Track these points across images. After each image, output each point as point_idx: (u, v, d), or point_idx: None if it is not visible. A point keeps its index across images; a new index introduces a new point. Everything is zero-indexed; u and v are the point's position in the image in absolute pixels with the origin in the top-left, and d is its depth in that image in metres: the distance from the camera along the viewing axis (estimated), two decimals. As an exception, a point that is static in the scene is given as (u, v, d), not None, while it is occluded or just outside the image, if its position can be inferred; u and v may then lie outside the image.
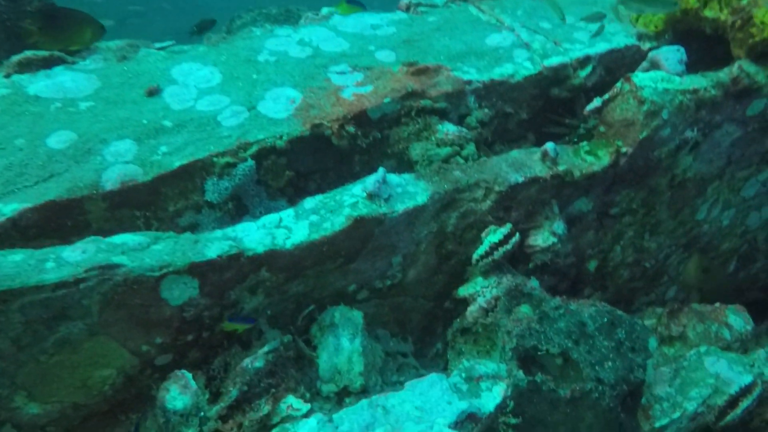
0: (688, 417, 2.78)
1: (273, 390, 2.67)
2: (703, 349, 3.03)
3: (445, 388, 2.33)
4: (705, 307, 3.63)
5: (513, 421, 2.41)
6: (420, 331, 3.43)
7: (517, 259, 3.26)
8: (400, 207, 2.82)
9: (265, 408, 2.61)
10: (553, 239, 3.11)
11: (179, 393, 2.60)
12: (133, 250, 2.48)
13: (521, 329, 2.63)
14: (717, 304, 3.61)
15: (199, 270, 2.54)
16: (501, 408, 2.41)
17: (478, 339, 3.05)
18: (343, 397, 2.92)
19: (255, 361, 2.69)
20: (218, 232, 2.70)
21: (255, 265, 2.66)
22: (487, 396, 2.40)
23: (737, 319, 3.51)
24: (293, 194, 3.17)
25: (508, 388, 2.45)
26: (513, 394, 2.45)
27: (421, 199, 2.88)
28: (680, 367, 2.92)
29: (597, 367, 2.50)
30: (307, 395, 2.86)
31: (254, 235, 2.70)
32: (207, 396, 2.64)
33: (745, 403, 2.81)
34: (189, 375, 2.64)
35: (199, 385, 2.66)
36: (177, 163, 2.88)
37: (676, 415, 2.73)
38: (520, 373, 2.51)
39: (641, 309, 4.34)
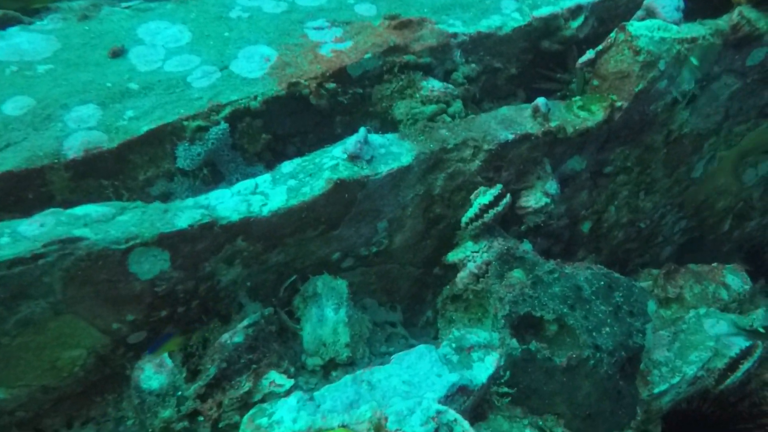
0: (688, 381, 2.64)
1: (254, 366, 2.51)
2: (702, 310, 2.89)
3: (435, 360, 2.17)
4: (702, 267, 3.48)
5: (507, 391, 2.26)
6: (409, 299, 3.26)
7: (508, 222, 3.08)
8: (384, 169, 2.62)
9: (246, 385, 2.44)
10: (545, 200, 2.93)
11: (154, 372, 2.43)
12: (97, 222, 2.28)
13: (514, 295, 2.46)
14: (715, 264, 3.47)
15: (170, 241, 2.34)
16: (494, 379, 2.25)
17: (470, 306, 2.89)
18: (329, 370, 2.76)
19: (234, 336, 2.52)
20: (190, 201, 2.50)
21: (230, 235, 2.46)
22: (479, 367, 2.24)
23: (735, 279, 3.36)
24: (271, 159, 2.96)
25: (501, 358, 2.29)
26: (506, 364, 2.30)
27: (406, 159, 2.68)
28: (679, 331, 2.78)
29: (594, 334, 2.34)
30: (292, 370, 2.70)
31: (228, 202, 2.50)
32: (184, 374, 2.47)
33: (745, 366, 2.67)
34: (165, 355, 2.46)
35: (176, 363, 2.49)
36: (144, 128, 2.65)
37: (675, 380, 2.60)
38: (514, 342, 2.35)
39: (636, 271, 4.19)
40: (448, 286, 2.96)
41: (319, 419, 1.88)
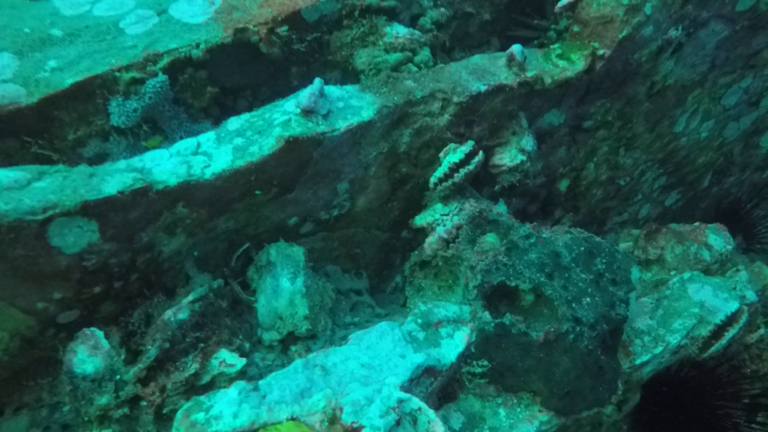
0: (671, 351, 2.43)
1: (202, 345, 2.22)
2: (686, 275, 2.65)
3: (398, 339, 1.90)
4: (684, 226, 3.24)
5: (478, 371, 2.01)
6: (376, 265, 2.99)
7: (481, 182, 2.79)
8: (342, 124, 2.30)
9: (193, 366, 2.16)
10: (521, 157, 2.64)
11: (88, 355, 2.13)
12: (8, 189, 1.94)
13: (487, 263, 2.19)
14: (697, 224, 3.23)
15: (96, 210, 2.01)
16: (464, 357, 2.00)
17: (439, 273, 2.62)
18: (288, 344, 2.49)
19: (178, 312, 2.22)
20: (121, 163, 2.16)
21: (168, 201, 2.14)
22: (447, 344, 1.98)
23: (717, 239, 3.14)
24: (220, 115, 2.61)
25: (472, 333, 2.03)
26: (478, 340, 2.04)
27: (367, 114, 2.35)
28: (662, 297, 2.55)
29: (574, 305, 2.09)
30: (246, 346, 2.42)
31: (166, 164, 2.16)
32: (123, 356, 2.18)
33: (731, 333, 2.46)
34: (100, 333, 2.16)
35: (114, 344, 2.19)
36: (69, 81, 2.28)
37: (658, 349, 2.38)
38: (486, 315, 2.09)
39: (614, 229, 3.97)
40: (416, 252, 2.68)
41: (264, 412, 1.61)
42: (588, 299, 2.11)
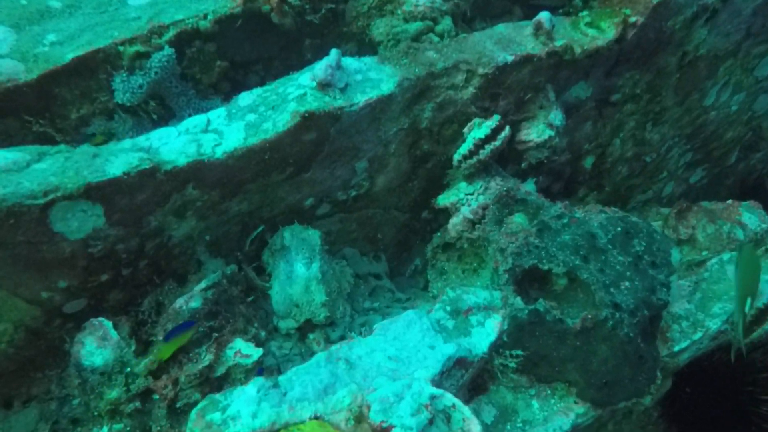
0: (710, 336, 2.25)
1: (215, 334, 2.07)
2: (726, 256, 2.47)
3: (426, 329, 1.74)
4: (716, 204, 3.04)
5: (512, 364, 1.85)
6: (395, 247, 2.83)
7: (505, 159, 2.61)
8: (361, 98, 2.12)
9: (207, 357, 2.02)
10: (549, 132, 2.45)
11: (96, 346, 1.99)
12: (6, 171, 1.78)
13: (517, 245, 2.02)
14: (729, 201, 3.03)
15: (101, 192, 1.85)
16: (496, 346, 1.84)
17: (464, 255, 2.45)
18: (306, 332, 2.35)
19: (191, 300, 2.08)
20: (126, 142, 1.99)
21: (178, 182, 1.98)
22: (478, 333, 1.82)
23: (752, 217, 2.93)
24: (231, 91, 2.42)
25: (504, 321, 1.87)
26: (510, 328, 1.87)
27: (387, 87, 2.17)
28: (701, 279, 2.36)
29: (612, 289, 1.91)
30: (263, 334, 2.28)
31: (174, 143, 1.99)
32: (134, 347, 2.03)
33: (774, 316, 2.28)
34: (108, 323, 2.02)
35: (124, 335, 2.05)
36: (70, 55, 2.11)
37: (697, 335, 2.20)
38: (518, 301, 1.93)
39: (637, 208, 3.77)
40: (439, 233, 2.51)
41: (285, 411, 1.46)
42: (627, 283, 1.93)
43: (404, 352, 1.65)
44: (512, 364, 1.85)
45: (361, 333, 2.48)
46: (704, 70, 3.15)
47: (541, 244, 2.03)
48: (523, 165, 2.53)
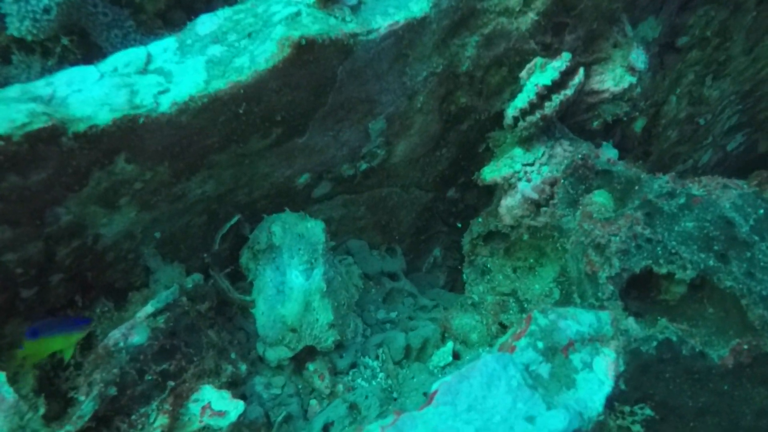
0: None
1: (171, 383, 1.31)
2: None
3: (517, 385, 1.00)
4: (799, 172, 2.38)
5: (637, 428, 1.13)
6: (412, 236, 2.10)
7: (562, 117, 1.88)
8: (382, 22, 1.35)
9: (160, 420, 1.26)
10: (630, 78, 1.73)
11: (-20, 412, 1.21)
12: None
13: (623, 240, 1.30)
14: (817, 168, 2.37)
15: (-36, 169, 1.06)
16: (615, 399, 1.13)
17: (513, 249, 1.73)
18: (304, 360, 1.60)
19: (132, 332, 1.31)
20: (14, 88, 1.19)
21: (99, 152, 1.19)
22: (586, 381, 1.11)
23: None
24: (186, 23, 1.63)
25: (618, 358, 1.16)
26: (630, 369, 1.16)
27: (419, 7, 1.41)
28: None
29: (773, 302, 1.22)
30: (243, 368, 1.53)
31: (93, 90, 1.20)
32: (42, 410, 1.26)
33: None
34: (1, 376, 1.23)
35: (26, 391, 1.27)
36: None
37: None
38: (634, 326, 1.21)
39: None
40: (479, 219, 1.78)
41: None
42: (793, 293, 1.23)
43: (490, 427, 0.93)
44: (637, 428, 1.14)
45: (377, 358, 1.80)
46: (783, 8, 2.46)
47: (654, 237, 1.32)
48: (594, 124, 1.80)
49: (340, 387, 1.60)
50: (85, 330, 1.30)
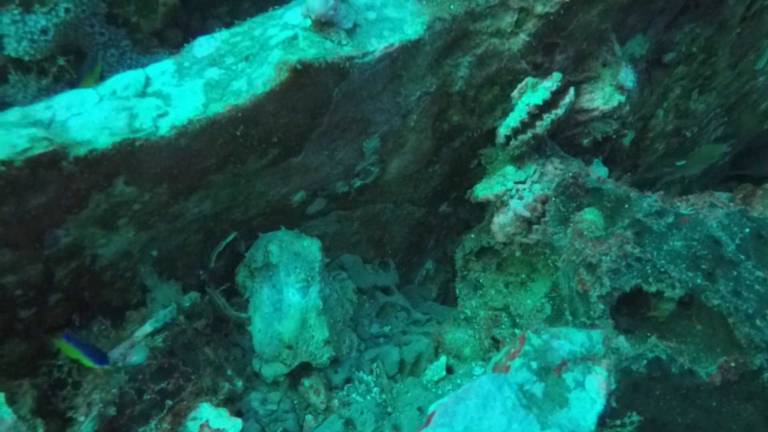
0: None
1: (170, 402, 1.32)
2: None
3: (512, 406, 1.03)
4: (783, 185, 2.42)
5: (628, 444, 1.17)
6: (405, 250, 2.12)
7: (552, 135, 1.90)
8: (377, 45, 1.37)
9: (156, 438, 1.27)
10: (619, 97, 1.76)
11: (-23, 432, 1.21)
12: None
13: (613, 259, 1.32)
14: (800, 180, 2.42)
15: (-37, 195, 1.07)
16: (606, 416, 1.15)
17: (505, 264, 1.76)
18: (300, 376, 1.62)
19: (130, 353, 1.31)
20: (14, 112, 1.19)
21: (99, 175, 1.20)
22: (578, 399, 1.13)
23: (828, 199, 2.32)
24: (183, 42, 1.63)
25: (609, 376, 1.18)
26: (621, 387, 1.19)
27: (413, 29, 1.43)
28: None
29: (758, 322, 1.25)
30: (239, 384, 1.54)
31: (93, 113, 1.21)
32: (41, 429, 1.26)
33: None
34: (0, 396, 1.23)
35: (24, 412, 1.27)
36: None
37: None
38: (625, 345, 1.24)
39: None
40: (472, 235, 1.81)
41: None
42: (777, 311, 1.27)
43: (485, 451, 0.95)
44: (624, 440, 1.17)
45: (372, 372, 1.82)
46: (767, 25, 2.51)
47: (644, 256, 1.35)
48: (584, 142, 1.83)
49: (336, 402, 1.62)
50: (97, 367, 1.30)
